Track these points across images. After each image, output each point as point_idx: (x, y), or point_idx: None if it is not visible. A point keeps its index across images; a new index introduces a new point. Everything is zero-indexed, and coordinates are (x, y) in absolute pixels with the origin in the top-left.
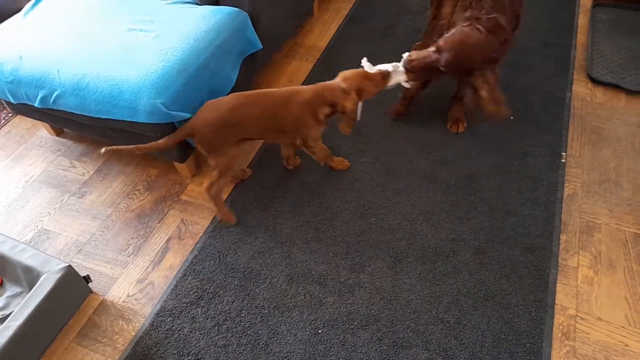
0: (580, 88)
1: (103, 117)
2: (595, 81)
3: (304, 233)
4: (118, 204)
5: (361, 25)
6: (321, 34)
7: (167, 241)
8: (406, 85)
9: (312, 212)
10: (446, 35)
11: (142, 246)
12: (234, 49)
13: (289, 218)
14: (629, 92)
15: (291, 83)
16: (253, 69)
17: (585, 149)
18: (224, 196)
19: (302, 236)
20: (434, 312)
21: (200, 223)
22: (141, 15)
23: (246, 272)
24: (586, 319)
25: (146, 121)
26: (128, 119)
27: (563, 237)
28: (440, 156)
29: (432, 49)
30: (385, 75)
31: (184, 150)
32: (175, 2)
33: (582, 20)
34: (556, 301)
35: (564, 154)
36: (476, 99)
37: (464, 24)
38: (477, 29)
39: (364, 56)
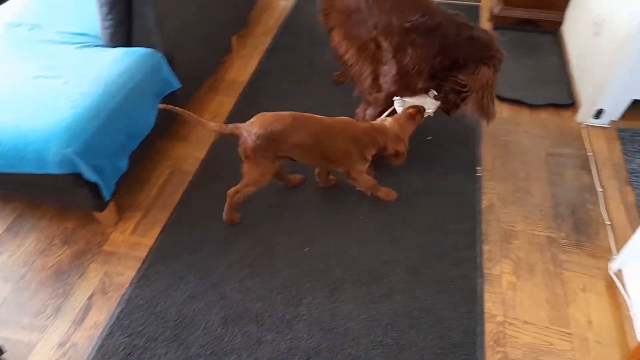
0: None
1: (8, 171)
2: (500, 98)
3: (238, 271)
4: (33, 262)
5: (280, 58)
6: (241, 68)
7: (90, 297)
8: (430, 114)
9: (245, 248)
10: None
11: (62, 306)
12: (150, 90)
13: (222, 257)
14: (531, 107)
15: (215, 119)
16: None
17: (497, 162)
18: (150, 241)
19: (236, 274)
20: (372, 336)
21: (126, 273)
22: (49, 61)
23: (178, 320)
24: (514, 324)
25: (57, 172)
26: (37, 172)
27: (485, 248)
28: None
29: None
30: (422, 110)
31: (101, 198)
32: (84, 46)
33: None
34: (485, 310)
35: (479, 168)
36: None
37: None
38: None
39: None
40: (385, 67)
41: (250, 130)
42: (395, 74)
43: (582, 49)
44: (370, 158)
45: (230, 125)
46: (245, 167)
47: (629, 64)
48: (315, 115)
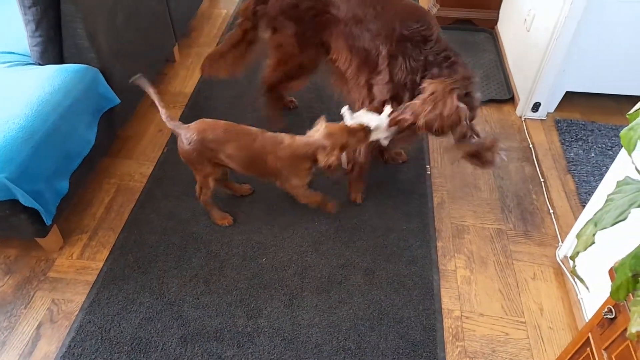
0: None
1: None
2: None
3: (193, 288)
4: None
5: None
6: (186, 79)
7: (38, 327)
8: (384, 143)
9: (199, 264)
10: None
11: (8, 340)
12: (88, 107)
13: (176, 275)
14: None
15: (161, 132)
16: (115, 124)
17: (445, 159)
18: (99, 264)
19: (191, 292)
20: (334, 342)
21: (75, 300)
22: None
23: (134, 344)
24: (470, 317)
25: None
26: None
27: (439, 244)
28: (318, 184)
29: (408, 111)
30: (368, 131)
31: (42, 224)
32: (12, 65)
33: None
34: (442, 306)
35: (428, 166)
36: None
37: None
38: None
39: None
40: (379, 77)
41: (187, 134)
42: (387, 82)
43: (517, 45)
44: (306, 173)
45: (174, 123)
46: (194, 170)
47: (559, 57)
48: (251, 128)
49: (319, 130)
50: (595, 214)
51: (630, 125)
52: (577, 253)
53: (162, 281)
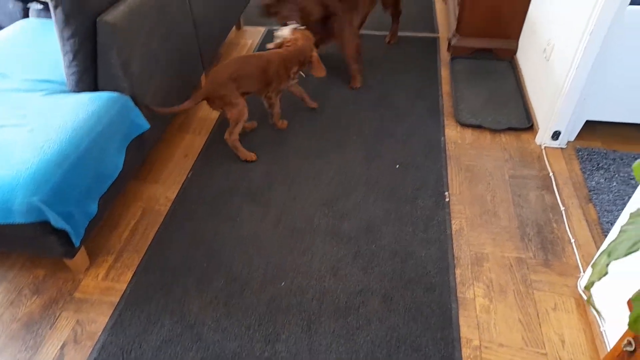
0: (452, 131)
1: None
2: (462, 124)
3: (213, 310)
4: (1, 315)
5: None
6: None
7: (62, 348)
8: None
9: (219, 287)
10: None
11: (32, 359)
12: (118, 133)
13: (196, 297)
14: (492, 131)
15: (186, 158)
16: (143, 148)
17: (464, 186)
18: (123, 285)
19: (211, 314)
20: None
21: (99, 320)
22: (13, 110)
23: None
24: (489, 347)
25: (23, 221)
26: (3, 222)
27: (458, 271)
28: (338, 210)
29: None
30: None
31: (70, 245)
32: (49, 93)
33: (444, 72)
34: (461, 334)
35: (447, 193)
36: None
37: None
38: None
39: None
40: None
41: (213, 85)
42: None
43: (536, 74)
44: (295, 74)
45: (194, 95)
46: (228, 113)
47: (579, 86)
48: (253, 53)
49: (289, 39)
50: (609, 245)
51: None
52: (592, 283)
53: (183, 303)
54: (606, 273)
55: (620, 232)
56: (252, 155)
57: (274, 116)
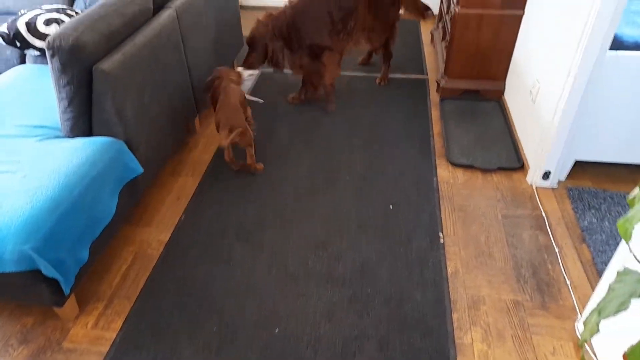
0: (444, 171)
1: None
2: (454, 164)
3: (205, 358)
4: None
5: None
6: (206, 147)
7: None
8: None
9: (211, 334)
10: None
11: None
12: (112, 177)
13: (188, 344)
14: (484, 171)
15: (179, 200)
16: (136, 192)
17: (458, 227)
18: (113, 334)
19: None
20: None
21: None
22: (7, 156)
23: None
24: None
25: (14, 270)
26: None
27: (455, 316)
28: (332, 252)
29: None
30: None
31: (60, 293)
32: (44, 138)
33: (435, 112)
34: None
35: (441, 234)
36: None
37: None
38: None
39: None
40: None
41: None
42: None
43: (523, 115)
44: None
45: (224, 131)
46: (245, 137)
47: (566, 128)
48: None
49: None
50: (599, 303)
51: (625, 216)
52: (585, 341)
53: (175, 350)
54: (598, 331)
55: (608, 290)
56: (261, 166)
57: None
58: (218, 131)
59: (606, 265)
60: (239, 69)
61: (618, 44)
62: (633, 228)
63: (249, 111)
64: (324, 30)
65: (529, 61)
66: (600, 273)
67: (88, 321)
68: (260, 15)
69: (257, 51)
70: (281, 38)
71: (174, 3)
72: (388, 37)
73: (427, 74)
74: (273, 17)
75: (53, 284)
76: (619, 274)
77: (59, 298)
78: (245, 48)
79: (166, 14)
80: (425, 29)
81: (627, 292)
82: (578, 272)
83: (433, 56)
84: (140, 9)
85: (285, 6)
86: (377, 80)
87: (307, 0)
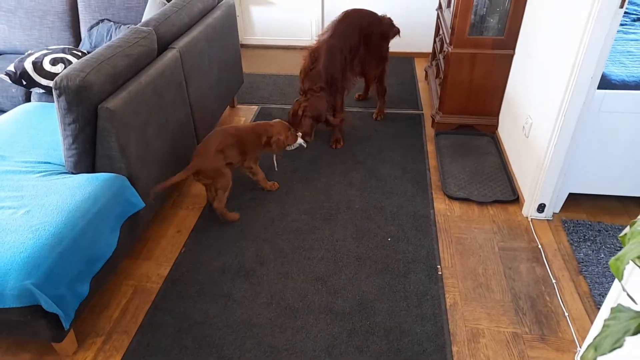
0: (440, 205)
1: None
2: (450, 197)
3: None
4: None
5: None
6: None
7: None
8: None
9: None
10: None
11: None
12: (113, 213)
13: None
14: (479, 203)
15: (179, 233)
16: (137, 227)
17: (455, 259)
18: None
19: None
20: None
21: None
22: (9, 192)
23: None
24: None
25: (14, 306)
26: None
27: (454, 349)
28: (332, 286)
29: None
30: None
31: (60, 328)
32: (47, 174)
33: (430, 147)
34: None
35: (439, 266)
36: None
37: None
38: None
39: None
40: None
41: (203, 160)
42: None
43: (517, 149)
44: (265, 143)
45: (185, 170)
46: (217, 184)
47: (559, 162)
48: (233, 125)
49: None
50: (594, 339)
51: (617, 255)
52: None
53: None
54: None
55: (603, 326)
56: (235, 216)
57: (261, 182)
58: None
59: (603, 297)
60: (298, 135)
61: (606, 83)
62: (625, 266)
63: (253, 159)
64: (341, 71)
65: (521, 98)
66: (597, 305)
67: (86, 357)
68: (299, 87)
69: (315, 122)
70: (329, 102)
71: (177, 44)
72: (382, 70)
73: (422, 109)
74: (316, 87)
75: (53, 319)
76: (612, 310)
77: (59, 333)
78: (246, 85)
79: (170, 55)
80: (420, 66)
81: (622, 329)
82: (576, 304)
83: (427, 92)
84: (145, 50)
85: (315, 67)
86: (374, 115)
87: (329, 51)
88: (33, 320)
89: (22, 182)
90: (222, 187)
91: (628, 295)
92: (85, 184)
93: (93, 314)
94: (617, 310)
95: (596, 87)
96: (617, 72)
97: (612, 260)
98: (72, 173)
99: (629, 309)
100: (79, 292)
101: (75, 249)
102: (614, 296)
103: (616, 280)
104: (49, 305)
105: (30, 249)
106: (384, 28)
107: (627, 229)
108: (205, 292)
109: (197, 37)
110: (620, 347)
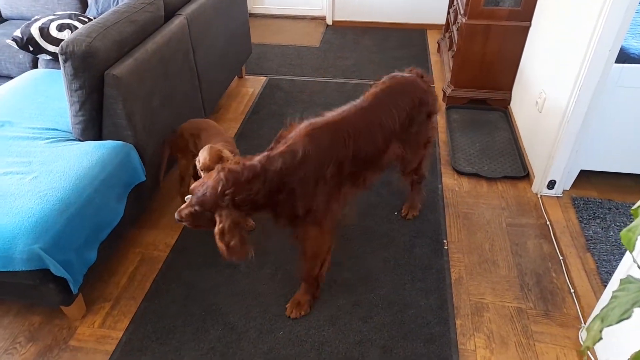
0: (449, 180)
1: None
2: (459, 172)
3: None
4: None
5: (249, 142)
6: None
7: None
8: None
9: (217, 337)
10: None
11: None
12: (120, 181)
13: (193, 347)
14: (488, 179)
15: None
16: (143, 196)
17: (462, 234)
18: (119, 334)
19: None
20: None
21: None
22: (17, 157)
23: None
24: None
25: (23, 269)
26: (2, 269)
27: (458, 322)
28: (336, 259)
29: None
30: None
31: (68, 292)
32: (55, 141)
33: (440, 121)
34: None
35: (445, 241)
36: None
37: None
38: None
39: None
40: None
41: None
42: None
43: (529, 124)
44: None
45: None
46: (179, 161)
47: (572, 138)
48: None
49: None
50: (602, 310)
51: (629, 226)
52: (587, 348)
53: (180, 353)
54: (600, 338)
55: (612, 298)
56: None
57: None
58: None
59: (610, 275)
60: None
61: (624, 57)
62: (637, 238)
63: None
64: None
65: (536, 72)
66: (604, 282)
67: (95, 320)
68: None
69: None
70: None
71: (184, 11)
72: (422, 157)
73: (433, 83)
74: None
75: (61, 283)
76: (622, 282)
77: (67, 297)
78: (254, 56)
79: (177, 22)
80: (432, 39)
81: (630, 300)
82: (582, 281)
83: (439, 65)
84: (152, 16)
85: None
86: (404, 211)
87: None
88: (42, 284)
89: (29, 148)
90: (181, 169)
91: (638, 266)
92: (93, 151)
93: (101, 281)
94: (627, 281)
95: (614, 60)
96: (637, 46)
97: (623, 231)
98: (80, 140)
99: (639, 281)
100: (86, 257)
101: (83, 214)
102: (624, 270)
103: (626, 255)
104: (57, 269)
105: (39, 214)
106: (430, 99)
107: (639, 202)
108: (211, 262)
109: (205, 5)
110: (628, 318)
